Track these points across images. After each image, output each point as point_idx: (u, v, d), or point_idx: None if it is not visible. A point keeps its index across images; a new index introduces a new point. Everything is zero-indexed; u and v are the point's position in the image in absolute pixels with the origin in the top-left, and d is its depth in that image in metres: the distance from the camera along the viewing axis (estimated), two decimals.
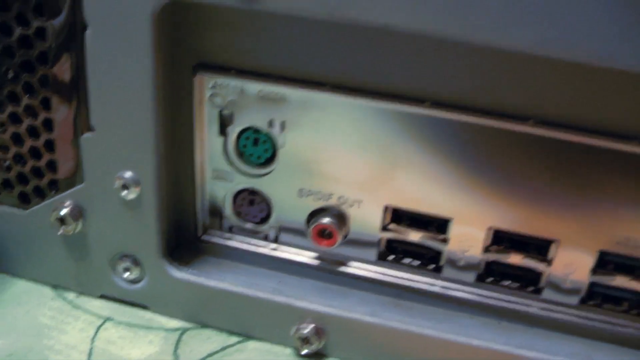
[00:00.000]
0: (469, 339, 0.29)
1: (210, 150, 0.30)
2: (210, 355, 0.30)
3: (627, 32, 0.22)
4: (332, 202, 0.30)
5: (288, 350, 0.30)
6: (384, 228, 0.30)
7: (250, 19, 0.27)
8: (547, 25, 0.22)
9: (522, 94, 0.26)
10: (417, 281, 0.31)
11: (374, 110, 0.28)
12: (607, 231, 0.28)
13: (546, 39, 0.22)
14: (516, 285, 0.30)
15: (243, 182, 0.30)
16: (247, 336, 0.31)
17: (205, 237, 0.32)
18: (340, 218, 0.30)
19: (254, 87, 0.28)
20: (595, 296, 0.30)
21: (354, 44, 0.27)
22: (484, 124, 0.27)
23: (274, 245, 0.31)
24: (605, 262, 0.29)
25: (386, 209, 0.29)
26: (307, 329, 0.30)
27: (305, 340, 0.30)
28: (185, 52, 0.28)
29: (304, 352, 0.30)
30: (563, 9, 0.22)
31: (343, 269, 0.31)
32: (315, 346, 0.30)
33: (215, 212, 0.32)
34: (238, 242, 0.32)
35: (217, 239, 0.32)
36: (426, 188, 0.29)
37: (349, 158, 0.29)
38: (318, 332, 0.30)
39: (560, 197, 0.28)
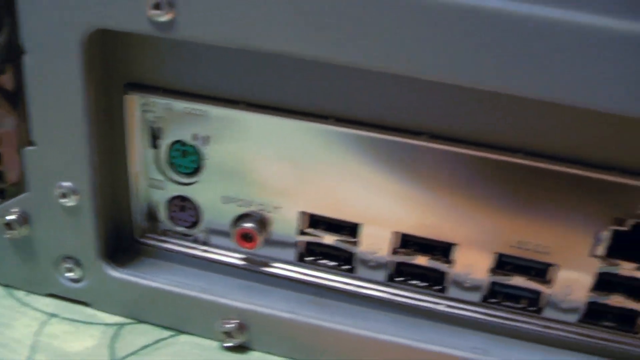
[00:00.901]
0: (379, 334, 0.32)
1: (144, 161, 0.33)
2: (144, 347, 0.33)
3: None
4: (253, 208, 0.33)
5: (215, 344, 0.33)
6: (301, 232, 0.33)
7: (171, 45, 0.30)
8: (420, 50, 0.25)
9: (414, 111, 0.29)
10: (334, 280, 0.33)
11: (286, 125, 0.30)
12: (501, 236, 0.30)
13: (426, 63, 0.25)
14: (424, 284, 0.33)
15: (174, 190, 0.33)
16: (179, 330, 0.34)
17: (142, 240, 0.35)
18: (262, 223, 0.33)
19: (179, 104, 0.31)
20: (496, 295, 0.32)
21: (262, 67, 0.29)
22: (382, 137, 0.29)
23: (204, 247, 0.34)
24: (504, 264, 0.32)
25: (302, 214, 0.32)
26: (231, 324, 0.32)
27: (229, 335, 0.32)
28: (116, 73, 0.31)
29: (227, 345, 0.33)
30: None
31: (266, 269, 0.34)
32: (238, 340, 0.32)
33: (151, 217, 0.34)
34: (172, 245, 0.35)
35: (153, 241, 0.35)
36: (338, 196, 0.31)
37: (266, 168, 0.31)
38: (241, 327, 0.32)
39: (459, 205, 0.30)
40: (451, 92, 0.28)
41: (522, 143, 0.29)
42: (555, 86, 0.24)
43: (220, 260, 0.34)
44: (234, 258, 0.34)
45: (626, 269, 0.30)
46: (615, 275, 0.31)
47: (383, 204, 0.31)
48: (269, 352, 0.33)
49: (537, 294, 0.32)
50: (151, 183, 0.33)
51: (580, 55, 0.23)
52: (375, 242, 0.32)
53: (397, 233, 0.31)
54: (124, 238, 0.35)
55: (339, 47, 0.25)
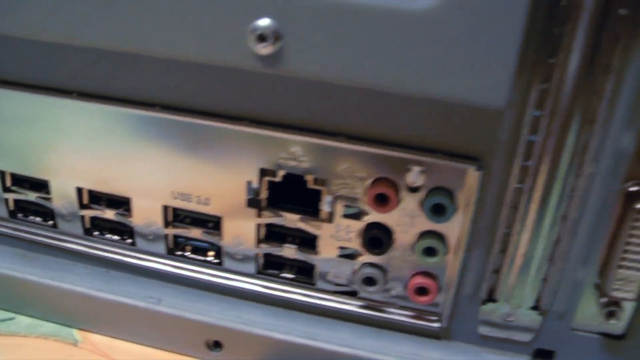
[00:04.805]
0: (74, 286, 0.32)
1: None
2: None
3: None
4: None
5: None
6: (6, 190, 0.33)
7: None
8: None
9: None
10: (42, 235, 0.34)
11: None
12: (163, 188, 0.30)
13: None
14: (117, 237, 0.33)
15: None
16: None
17: None
18: None
19: None
20: (182, 247, 0.32)
21: None
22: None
23: None
24: (181, 217, 0.32)
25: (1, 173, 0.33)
26: None
27: None
28: None
29: None
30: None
31: None
32: None
33: None
34: None
35: None
36: (27, 152, 0.31)
37: None
38: None
39: (124, 159, 0.30)
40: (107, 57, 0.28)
41: (160, 98, 0.28)
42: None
43: None
44: None
45: (290, 220, 0.30)
46: (282, 227, 0.30)
47: (66, 162, 0.31)
48: None
49: (215, 245, 0.32)
50: None
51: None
52: (64, 196, 0.32)
53: (80, 189, 0.32)
54: None
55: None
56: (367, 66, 0.23)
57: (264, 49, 0.24)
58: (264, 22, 0.23)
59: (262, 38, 0.23)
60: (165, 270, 0.32)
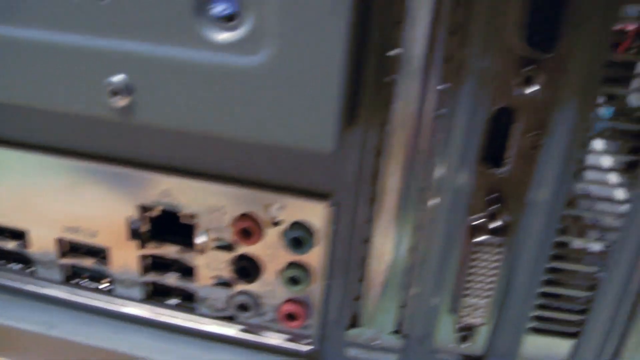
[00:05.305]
0: None
1: None
2: None
3: None
4: None
5: None
6: None
7: None
8: None
9: None
10: None
11: None
12: (55, 222, 0.33)
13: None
14: (19, 266, 0.35)
15: None
16: None
17: None
18: None
19: None
20: (79, 275, 0.35)
21: None
22: None
23: None
24: (76, 247, 0.34)
25: None
26: None
27: None
28: None
29: None
30: None
31: None
32: None
33: None
34: None
35: None
36: None
37: None
38: None
39: (21, 196, 0.32)
40: None
41: (43, 141, 0.31)
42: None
43: None
44: None
45: (170, 251, 0.32)
46: (163, 258, 0.33)
47: None
48: None
49: (106, 275, 0.34)
50: None
51: None
52: None
53: None
54: None
55: None
56: (209, 116, 0.26)
57: (118, 102, 0.26)
58: (118, 77, 0.26)
59: (115, 92, 0.26)
60: (61, 297, 0.34)
